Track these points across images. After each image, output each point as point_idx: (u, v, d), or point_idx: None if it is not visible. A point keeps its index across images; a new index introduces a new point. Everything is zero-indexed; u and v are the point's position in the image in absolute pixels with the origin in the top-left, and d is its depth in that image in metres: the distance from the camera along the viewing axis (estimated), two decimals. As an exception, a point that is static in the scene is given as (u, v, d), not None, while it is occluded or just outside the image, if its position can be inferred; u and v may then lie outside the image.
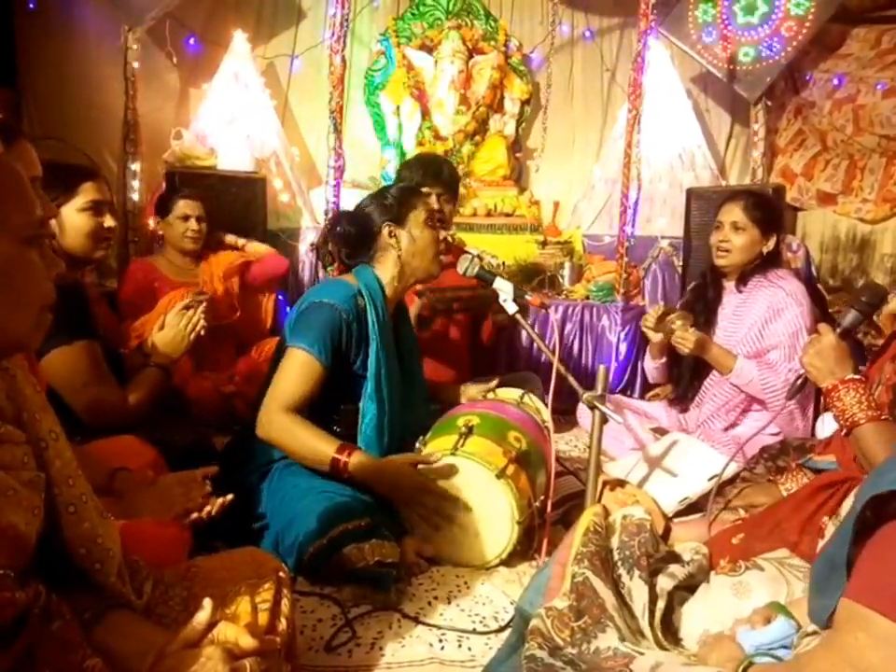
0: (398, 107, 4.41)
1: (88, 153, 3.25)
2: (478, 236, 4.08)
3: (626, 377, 3.55)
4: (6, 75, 3.21)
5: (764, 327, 2.32)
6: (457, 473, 1.77)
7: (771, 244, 2.39)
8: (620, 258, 3.52)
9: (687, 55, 4.28)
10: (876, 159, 4.06)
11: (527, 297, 1.98)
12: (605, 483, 1.89)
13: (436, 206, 2.55)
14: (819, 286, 3.86)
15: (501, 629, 1.55)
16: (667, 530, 1.85)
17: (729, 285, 2.48)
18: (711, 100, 4.60)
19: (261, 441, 1.82)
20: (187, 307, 1.96)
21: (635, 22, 3.64)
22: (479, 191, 4.35)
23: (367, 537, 1.61)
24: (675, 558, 1.51)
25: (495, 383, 2.34)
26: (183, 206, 2.92)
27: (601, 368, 1.75)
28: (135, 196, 3.71)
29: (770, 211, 2.44)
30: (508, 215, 4.28)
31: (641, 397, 3.20)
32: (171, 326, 1.92)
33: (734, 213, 2.39)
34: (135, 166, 3.70)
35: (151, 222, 3.30)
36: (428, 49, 4.48)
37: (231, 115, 3.92)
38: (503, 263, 3.87)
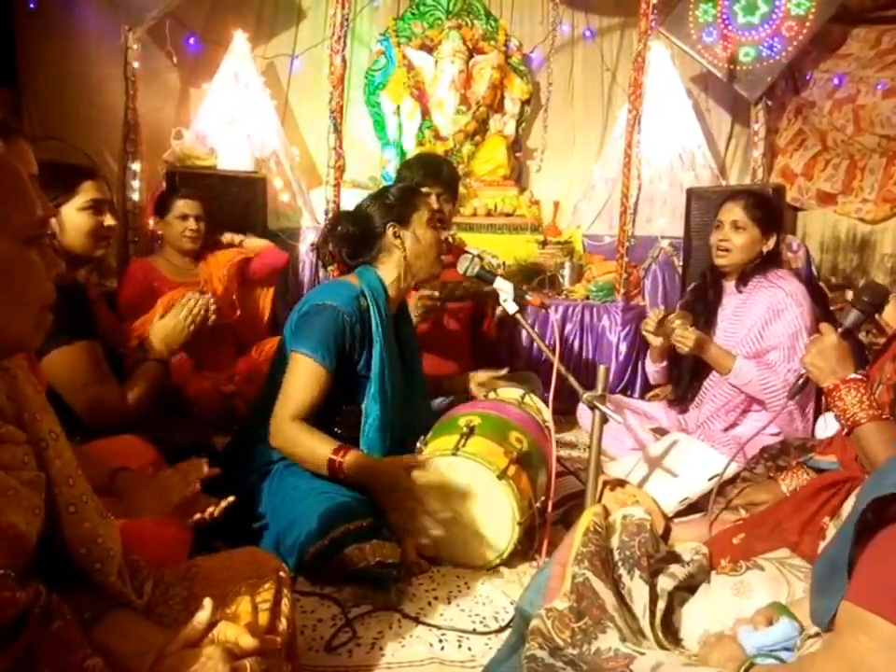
0: (398, 107, 4.41)
1: (88, 153, 3.25)
2: (478, 236, 4.08)
3: (626, 377, 3.55)
4: (6, 74, 3.21)
5: (764, 327, 2.32)
6: (458, 471, 1.77)
7: (771, 243, 2.39)
8: (620, 258, 3.52)
9: (687, 55, 4.28)
10: (877, 159, 4.06)
11: (527, 297, 1.98)
12: (605, 483, 1.89)
13: (436, 206, 2.55)
14: (822, 283, 3.86)
15: (501, 629, 1.55)
16: (668, 530, 1.85)
17: (729, 285, 2.48)
18: (711, 100, 4.60)
19: (261, 442, 1.82)
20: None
21: (635, 22, 3.64)
22: (479, 191, 4.35)
23: (368, 537, 1.61)
24: (675, 558, 1.51)
25: (505, 371, 2.34)
26: (181, 206, 2.91)
27: (601, 368, 1.75)
28: (135, 196, 3.72)
29: (770, 211, 2.44)
30: (508, 215, 4.28)
31: (641, 397, 3.20)
32: (171, 315, 1.92)
33: (734, 212, 2.39)
34: (135, 166, 3.70)
35: (151, 222, 3.30)
36: (429, 48, 4.48)
37: (231, 115, 3.92)
38: (503, 263, 3.87)
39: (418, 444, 1.88)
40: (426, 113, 4.40)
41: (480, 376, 2.32)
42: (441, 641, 1.51)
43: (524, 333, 3.40)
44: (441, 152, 4.17)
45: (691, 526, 1.89)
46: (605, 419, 1.71)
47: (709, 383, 2.44)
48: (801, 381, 1.65)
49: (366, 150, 4.50)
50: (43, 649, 0.79)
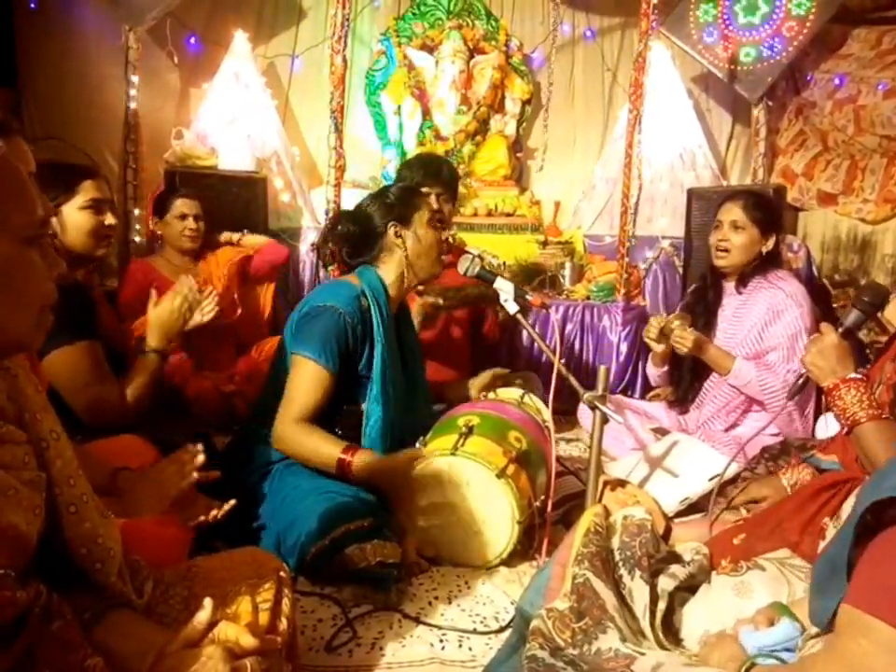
0: (398, 107, 4.41)
1: (88, 153, 3.25)
2: (479, 236, 4.08)
3: (627, 377, 3.55)
4: (6, 74, 3.21)
5: (764, 328, 2.31)
6: (457, 471, 1.77)
7: (770, 244, 2.39)
8: (620, 258, 3.51)
9: (688, 55, 4.28)
10: (877, 159, 4.06)
11: (528, 297, 1.98)
12: (606, 484, 1.89)
13: (435, 206, 2.55)
14: (825, 281, 3.86)
15: (502, 629, 1.55)
16: (668, 530, 1.85)
17: (729, 286, 2.47)
18: (712, 100, 4.60)
19: (262, 442, 1.82)
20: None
21: (636, 22, 3.64)
22: (479, 191, 4.35)
23: (369, 537, 1.61)
24: (676, 559, 1.51)
25: (506, 370, 2.34)
26: (180, 205, 2.91)
27: (602, 368, 1.75)
28: (136, 195, 3.71)
29: (770, 211, 2.43)
30: (508, 215, 4.28)
31: (642, 397, 3.20)
32: (166, 301, 1.90)
33: (733, 212, 2.39)
34: (136, 166, 3.70)
35: (150, 223, 3.30)
36: (429, 48, 4.48)
37: (231, 114, 3.92)
38: (504, 263, 3.87)
39: (417, 445, 1.88)
40: (426, 113, 4.40)
41: (479, 381, 2.32)
42: (441, 641, 1.51)
43: (524, 333, 3.40)
44: (442, 152, 4.17)
45: (691, 527, 1.90)
46: (605, 419, 1.71)
47: (710, 384, 2.44)
48: (801, 380, 1.65)
49: (366, 150, 4.50)
50: (43, 648, 0.79)
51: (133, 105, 3.67)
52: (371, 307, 1.89)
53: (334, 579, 1.65)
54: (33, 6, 3.34)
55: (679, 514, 2.10)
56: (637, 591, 1.38)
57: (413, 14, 4.52)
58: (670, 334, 2.36)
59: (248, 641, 0.88)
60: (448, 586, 1.73)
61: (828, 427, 2.26)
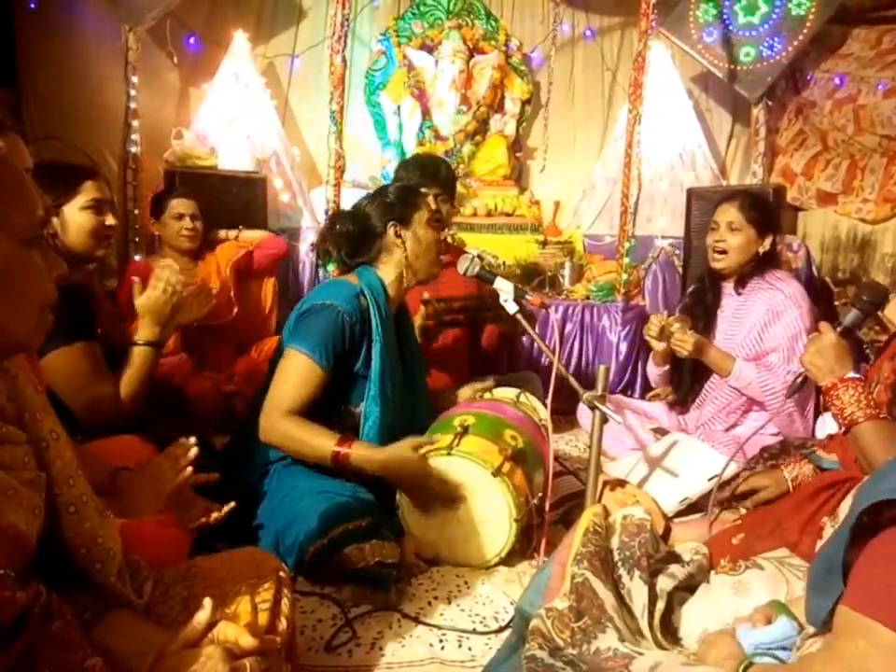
0: (398, 107, 4.41)
1: (88, 153, 3.25)
2: (478, 236, 4.08)
3: (627, 377, 3.55)
4: (6, 74, 3.21)
5: (764, 330, 2.31)
6: (453, 470, 1.77)
7: (767, 244, 2.38)
8: (620, 257, 3.52)
9: (688, 55, 4.28)
10: (877, 159, 4.06)
11: (528, 297, 1.98)
12: (605, 483, 1.89)
13: (434, 207, 2.55)
14: (828, 278, 3.85)
15: (501, 629, 1.55)
16: (668, 530, 1.85)
17: (727, 287, 2.47)
18: (712, 100, 4.60)
19: (260, 442, 1.82)
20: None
21: (636, 22, 3.63)
22: (479, 191, 4.35)
23: (367, 537, 1.61)
24: (675, 558, 1.52)
25: (491, 382, 2.34)
26: (176, 205, 2.91)
27: (601, 368, 1.75)
28: (136, 196, 3.71)
29: (766, 211, 2.42)
30: (508, 214, 4.28)
31: (641, 397, 3.20)
32: (150, 289, 1.86)
33: (729, 213, 2.38)
34: (136, 166, 3.70)
35: (149, 224, 3.30)
36: (429, 48, 4.48)
37: (231, 115, 3.92)
38: (503, 263, 3.87)
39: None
40: (426, 113, 4.40)
41: (466, 391, 2.32)
42: (441, 641, 1.51)
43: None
44: (442, 152, 4.17)
45: (691, 526, 1.90)
46: (605, 419, 1.71)
47: (710, 385, 2.44)
48: (799, 379, 1.65)
49: (366, 150, 4.50)
50: (43, 649, 0.79)
51: (132, 106, 3.67)
52: (371, 306, 1.89)
53: (333, 579, 1.65)
54: (33, 6, 3.34)
55: (679, 514, 2.10)
56: (636, 591, 1.38)
57: (413, 14, 4.52)
58: (670, 336, 2.36)
59: (248, 641, 0.88)
60: (447, 586, 1.73)
61: (825, 426, 2.26)
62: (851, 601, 0.88)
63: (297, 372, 1.79)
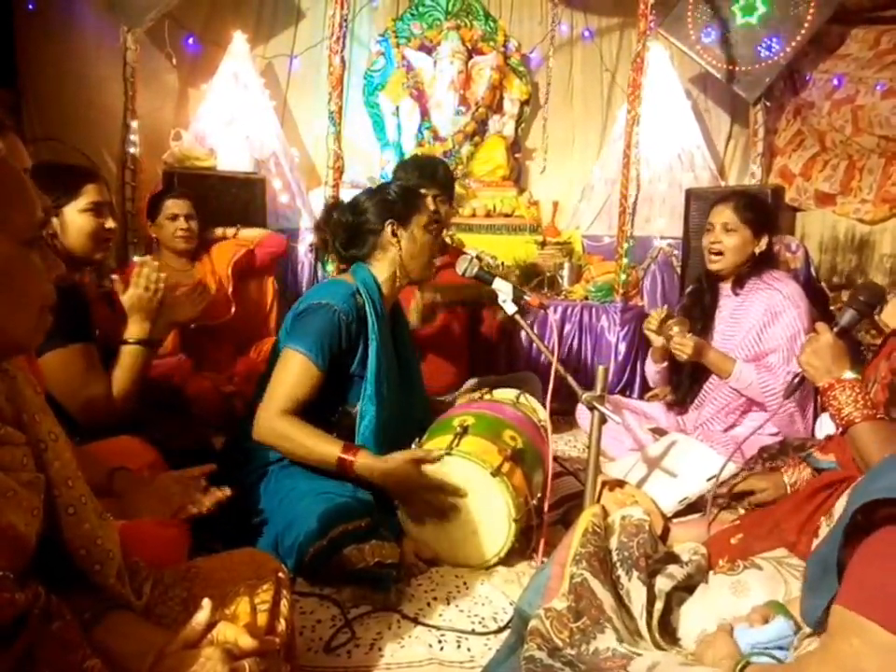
0: (397, 108, 4.41)
1: (87, 154, 3.25)
2: (477, 237, 4.08)
3: (625, 377, 3.55)
4: (5, 75, 3.21)
5: (762, 330, 2.31)
6: (452, 470, 1.77)
7: (763, 244, 2.38)
8: (619, 258, 3.52)
9: (686, 56, 4.28)
10: (875, 159, 4.06)
11: (526, 297, 1.99)
12: (604, 484, 1.90)
13: (432, 208, 2.55)
14: (823, 283, 3.85)
15: (500, 630, 1.56)
16: (666, 530, 1.85)
17: (725, 288, 2.46)
18: (710, 100, 4.60)
19: (257, 443, 1.82)
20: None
21: (634, 23, 3.63)
22: (478, 192, 4.35)
23: (367, 537, 1.61)
24: (673, 559, 1.52)
25: (485, 390, 2.35)
26: (170, 206, 2.90)
27: (600, 368, 1.75)
28: (134, 197, 3.71)
29: (761, 211, 2.41)
30: (507, 215, 4.28)
31: (640, 397, 3.21)
32: (132, 288, 1.87)
33: (724, 214, 2.38)
34: (134, 167, 3.70)
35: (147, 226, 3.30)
36: (428, 49, 4.49)
37: (230, 115, 3.92)
38: (502, 264, 3.87)
39: (413, 446, 1.88)
40: (425, 114, 4.40)
41: (462, 399, 2.33)
42: (440, 642, 1.51)
43: (523, 334, 3.40)
44: (440, 153, 4.17)
45: (689, 527, 1.90)
46: (604, 419, 1.71)
47: (709, 385, 2.44)
48: (796, 380, 1.65)
49: (365, 151, 4.50)
50: (42, 649, 0.79)
51: (131, 106, 3.67)
52: (367, 305, 1.89)
53: (333, 579, 1.65)
54: (32, 7, 3.34)
55: (678, 514, 2.10)
56: (635, 591, 1.38)
57: (412, 15, 4.52)
58: (667, 336, 2.36)
59: (247, 642, 0.88)
60: (447, 587, 1.73)
61: (822, 426, 2.26)
62: (846, 600, 0.88)
63: (293, 372, 1.79)
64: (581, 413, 2.59)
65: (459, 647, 1.50)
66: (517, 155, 4.62)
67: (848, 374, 1.49)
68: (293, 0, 4.38)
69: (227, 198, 3.51)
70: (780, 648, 1.11)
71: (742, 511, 1.84)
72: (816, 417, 2.39)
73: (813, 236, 4.42)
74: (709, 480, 2.05)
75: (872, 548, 0.88)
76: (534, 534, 1.84)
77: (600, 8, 4.60)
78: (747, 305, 2.38)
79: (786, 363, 2.25)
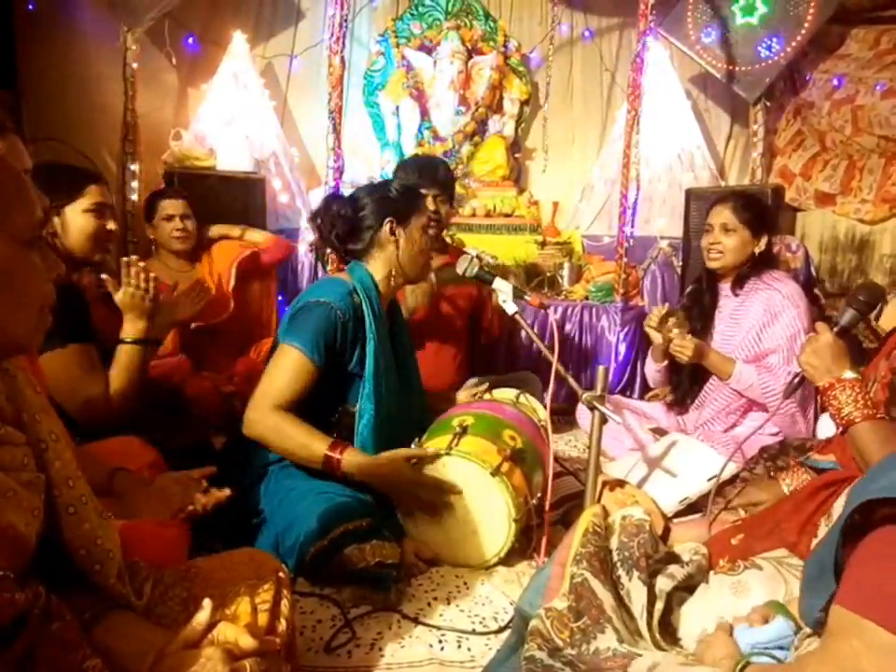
0: (397, 108, 4.41)
1: (87, 154, 3.25)
2: (477, 237, 4.08)
3: (626, 377, 3.55)
4: (5, 76, 3.21)
5: (762, 330, 2.31)
6: (452, 470, 1.77)
7: (762, 244, 2.38)
8: (619, 258, 3.52)
9: (686, 56, 4.28)
10: (875, 159, 4.06)
11: (526, 297, 1.99)
12: (604, 484, 1.89)
13: (432, 208, 2.55)
14: (817, 290, 3.85)
15: (501, 630, 1.56)
16: (667, 530, 1.85)
17: (725, 288, 2.46)
18: (710, 100, 4.60)
19: (256, 444, 1.81)
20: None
21: (634, 23, 3.64)
22: (478, 192, 4.35)
23: (367, 537, 1.61)
24: (674, 559, 1.52)
25: (485, 387, 2.35)
26: (165, 207, 2.88)
27: (600, 368, 1.75)
28: (135, 197, 3.71)
29: (760, 211, 2.41)
30: (507, 215, 4.28)
31: (641, 397, 3.20)
32: (123, 287, 1.86)
33: (723, 215, 2.38)
34: (134, 167, 3.70)
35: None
36: (427, 49, 4.48)
37: (230, 115, 3.92)
38: (502, 264, 3.87)
39: (412, 445, 1.88)
40: (424, 114, 4.40)
41: (460, 396, 2.32)
42: (440, 642, 1.51)
43: (523, 333, 3.40)
44: (440, 153, 4.17)
45: (690, 527, 1.90)
46: (604, 419, 1.71)
47: (710, 386, 2.43)
48: (796, 380, 1.65)
49: (365, 151, 4.50)
50: (42, 649, 0.79)
51: (131, 106, 3.67)
52: (363, 303, 1.89)
53: (333, 579, 1.65)
54: (31, 7, 3.34)
55: (678, 514, 2.10)
56: (635, 591, 1.38)
57: (412, 15, 4.52)
58: (666, 338, 2.36)
59: (247, 642, 0.88)
60: (447, 587, 1.73)
61: (822, 427, 2.26)
62: (844, 600, 0.88)
63: (288, 366, 1.79)
64: (582, 413, 2.59)
65: (460, 647, 1.50)
66: (517, 155, 4.62)
67: (848, 374, 1.49)
68: (293, 0, 4.38)
69: (227, 198, 3.50)
70: (780, 648, 1.11)
71: (743, 512, 1.84)
72: (817, 417, 2.39)
73: (813, 236, 4.42)
74: (710, 480, 2.06)
75: (870, 548, 0.88)
76: (534, 534, 1.84)
77: (600, 9, 4.59)
78: (746, 305, 2.38)
79: (786, 363, 2.25)
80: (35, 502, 0.83)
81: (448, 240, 3.23)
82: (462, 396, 2.33)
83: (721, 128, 4.63)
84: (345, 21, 3.22)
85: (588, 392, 1.73)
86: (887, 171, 4.01)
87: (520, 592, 1.49)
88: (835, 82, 4.15)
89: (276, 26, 4.37)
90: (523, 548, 1.85)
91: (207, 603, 0.89)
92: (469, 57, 4.46)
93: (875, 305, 1.64)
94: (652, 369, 2.64)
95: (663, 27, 4.20)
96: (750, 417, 2.38)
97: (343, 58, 3.25)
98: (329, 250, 2.11)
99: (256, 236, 3.24)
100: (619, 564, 1.43)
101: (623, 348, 3.54)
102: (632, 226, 3.66)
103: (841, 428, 1.48)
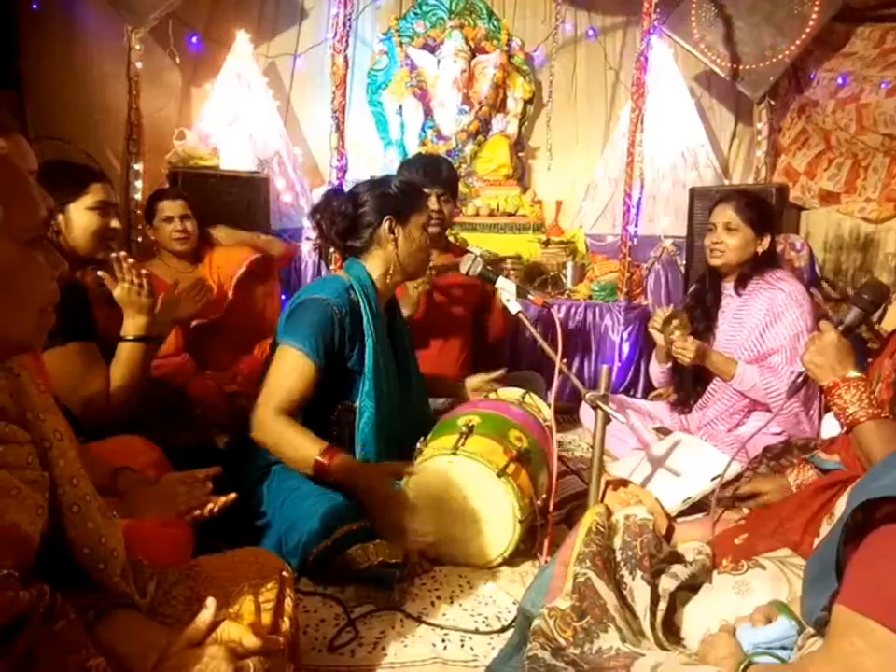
0: (400, 107, 4.41)
1: (91, 153, 3.26)
2: (481, 236, 4.09)
3: (629, 377, 3.54)
4: (9, 76, 3.22)
5: (765, 330, 2.30)
6: (458, 470, 1.77)
7: (765, 243, 2.37)
8: (623, 257, 3.51)
9: (690, 54, 4.27)
10: (880, 158, 4.05)
11: (530, 296, 1.99)
12: (608, 483, 1.89)
13: (436, 207, 2.55)
14: (815, 290, 3.84)
15: (504, 629, 1.56)
16: (671, 530, 1.84)
17: (728, 287, 2.46)
18: (715, 99, 4.59)
19: (258, 444, 1.81)
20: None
21: (638, 21, 3.63)
22: (481, 191, 4.35)
23: (371, 537, 1.61)
24: (677, 558, 1.51)
25: (501, 372, 2.33)
26: (164, 208, 2.87)
27: (604, 367, 1.75)
28: (138, 196, 3.72)
29: (763, 210, 2.40)
30: (510, 214, 4.28)
31: (644, 396, 3.20)
32: (119, 280, 1.86)
33: (726, 214, 2.37)
34: (138, 166, 3.70)
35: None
36: (431, 48, 4.48)
37: (233, 114, 3.93)
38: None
39: (418, 444, 1.88)
40: (428, 112, 4.40)
41: (474, 382, 2.30)
42: (443, 641, 1.51)
43: (526, 333, 3.40)
44: (444, 152, 4.17)
45: (694, 526, 1.89)
46: (608, 419, 1.71)
47: (714, 386, 2.42)
48: (800, 379, 1.65)
49: (368, 150, 4.50)
50: (46, 648, 0.79)
51: (135, 106, 3.68)
52: (360, 300, 1.88)
53: (337, 579, 1.65)
54: (35, 7, 3.35)
55: (682, 514, 2.10)
56: (639, 591, 1.38)
57: (415, 13, 4.52)
58: (668, 340, 2.36)
59: (251, 641, 0.88)
60: (450, 586, 1.73)
61: (825, 426, 2.25)
62: (847, 599, 0.88)
63: (289, 368, 1.78)
64: (585, 412, 2.59)
65: (463, 646, 1.50)
66: (520, 154, 4.62)
67: (853, 373, 1.48)
68: (296, -1, 4.39)
69: (230, 197, 3.51)
70: (784, 648, 1.11)
71: (746, 511, 1.84)
72: (821, 417, 2.38)
73: (817, 235, 4.41)
74: (713, 479, 2.05)
75: (872, 546, 0.88)
76: (538, 533, 1.84)
77: (604, 7, 4.59)
78: (749, 305, 2.37)
79: (789, 363, 2.24)
80: (39, 501, 0.84)
81: (451, 239, 3.23)
82: (475, 381, 2.32)
83: (726, 126, 4.62)
84: (349, 19, 3.22)
85: (592, 391, 1.72)
86: (891, 169, 4.00)
87: (523, 591, 1.49)
88: (840, 80, 4.14)
89: (280, 25, 4.38)
90: (526, 547, 1.85)
91: (211, 602, 0.90)
92: (473, 56, 4.46)
93: (881, 304, 1.63)
94: (657, 370, 2.64)
95: (667, 25, 4.19)
96: (754, 417, 2.37)
97: (346, 57, 3.24)
98: (332, 249, 2.10)
99: (275, 248, 3.23)
100: (622, 563, 1.43)
101: (626, 347, 3.54)
102: (636, 225, 3.66)
103: (845, 428, 1.48)
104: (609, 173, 4.37)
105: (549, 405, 1.93)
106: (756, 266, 2.38)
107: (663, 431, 2.51)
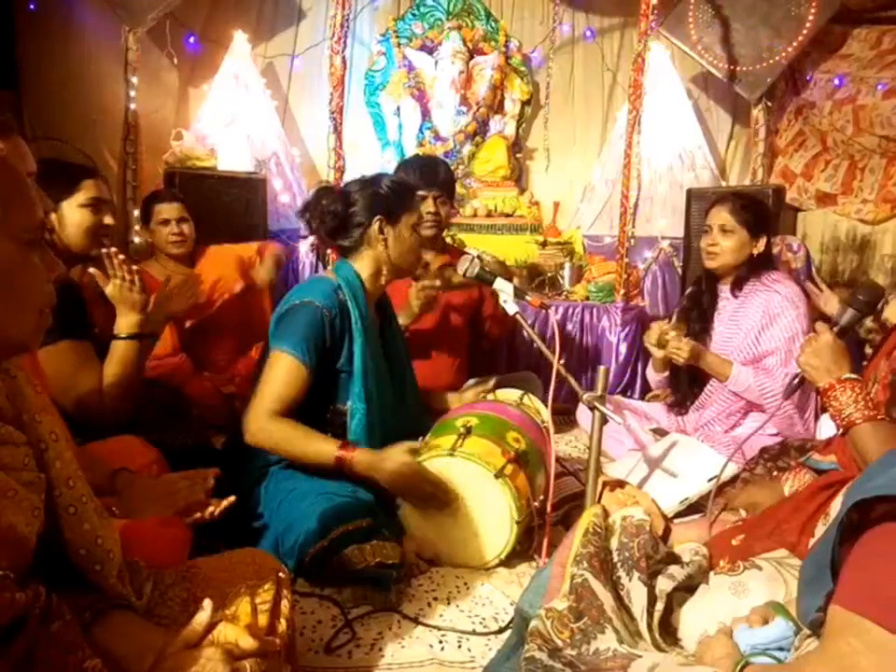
0: (398, 108, 4.42)
1: (88, 154, 3.25)
2: (478, 237, 4.09)
3: (626, 378, 3.55)
4: (6, 76, 3.21)
5: (761, 332, 2.30)
6: (456, 471, 1.77)
7: (761, 245, 2.36)
8: (620, 258, 3.52)
9: (687, 55, 4.28)
10: (877, 159, 4.06)
11: (527, 297, 1.99)
12: (605, 484, 1.89)
13: (433, 209, 2.55)
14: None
15: (501, 630, 1.55)
16: (667, 531, 1.85)
17: (724, 289, 2.45)
18: (712, 100, 4.60)
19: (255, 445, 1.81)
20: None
21: (635, 22, 3.64)
22: (479, 192, 4.36)
23: (368, 538, 1.61)
24: (674, 559, 1.52)
25: (492, 382, 2.33)
26: (161, 211, 2.85)
27: (601, 368, 1.75)
28: (135, 197, 3.71)
29: (758, 212, 2.40)
30: (508, 215, 4.29)
31: (641, 398, 3.20)
32: (111, 276, 1.86)
33: (721, 216, 2.37)
34: (136, 167, 3.70)
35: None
36: (429, 49, 4.49)
37: (231, 115, 3.92)
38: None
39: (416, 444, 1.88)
40: (426, 114, 4.41)
41: (468, 394, 2.31)
42: (440, 642, 1.51)
43: (524, 334, 3.40)
44: (441, 153, 4.18)
45: (691, 527, 1.89)
46: (605, 420, 1.71)
47: (710, 388, 2.42)
48: (795, 381, 1.65)
49: (366, 151, 4.50)
50: (42, 650, 0.79)
51: (132, 106, 3.68)
52: (349, 301, 1.88)
53: (333, 580, 1.65)
54: (33, 7, 3.35)
55: (679, 515, 2.10)
56: (636, 592, 1.38)
57: (413, 15, 4.52)
58: (663, 342, 2.36)
59: (248, 642, 0.88)
60: (447, 587, 1.73)
61: (823, 428, 2.26)
62: (842, 599, 0.88)
63: (281, 373, 1.78)
64: (582, 413, 2.59)
65: (460, 647, 1.50)
66: (518, 155, 4.62)
67: (849, 375, 1.48)
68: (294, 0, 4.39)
69: (227, 198, 3.51)
70: (780, 648, 1.11)
71: (743, 513, 1.84)
72: (817, 418, 2.38)
73: (814, 236, 4.42)
74: (710, 480, 2.05)
75: (868, 546, 0.88)
76: (535, 534, 1.84)
77: (601, 8, 4.60)
78: (746, 307, 2.37)
79: (784, 365, 2.24)
80: (36, 502, 0.83)
81: (449, 240, 3.23)
82: (468, 395, 2.32)
83: (723, 128, 4.63)
84: (347, 20, 3.23)
85: (589, 392, 1.73)
86: (888, 171, 4.01)
87: (520, 592, 1.49)
88: (837, 82, 4.15)
89: (278, 26, 4.38)
90: (523, 548, 1.85)
91: (208, 603, 0.90)
92: (471, 57, 4.47)
93: (876, 305, 1.64)
94: (654, 377, 2.64)
95: (664, 27, 4.20)
96: (751, 419, 2.37)
97: (344, 58, 3.25)
98: (329, 251, 2.10)
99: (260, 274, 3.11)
100: (619, 564, 1.43)
101: (623, 348, 3.54)
102: (633, 226, 3.67)
103: (841, 429, 1.48)
104: (607, 174, 4.38)
105: (546, 406, 1.93)
106: (752, 268, 2.38)
107: (659, 432, 2.51)
